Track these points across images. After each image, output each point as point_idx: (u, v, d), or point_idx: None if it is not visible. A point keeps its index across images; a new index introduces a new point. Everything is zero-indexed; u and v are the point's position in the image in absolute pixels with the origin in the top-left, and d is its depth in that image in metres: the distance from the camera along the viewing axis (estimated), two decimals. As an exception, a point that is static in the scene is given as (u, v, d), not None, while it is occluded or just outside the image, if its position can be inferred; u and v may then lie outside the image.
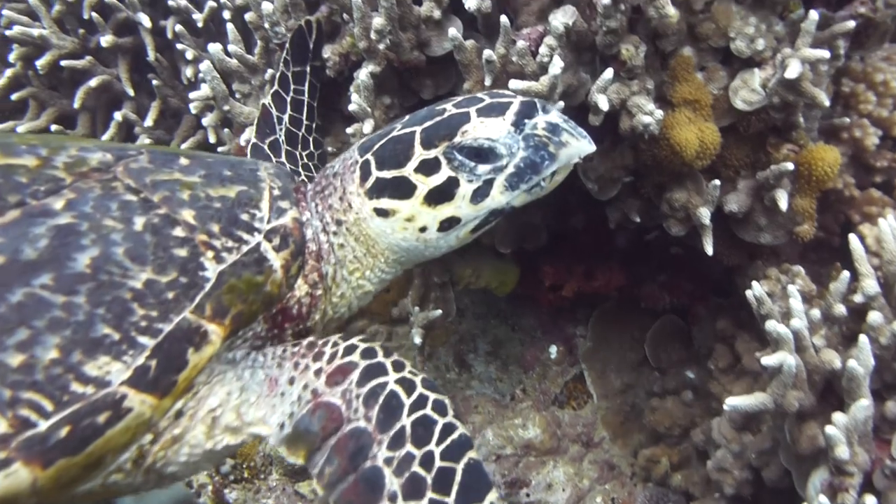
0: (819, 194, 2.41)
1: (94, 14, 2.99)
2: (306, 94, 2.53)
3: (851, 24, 2.18)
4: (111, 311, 1.26)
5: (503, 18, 2.11)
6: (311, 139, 2.50)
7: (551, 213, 3.02)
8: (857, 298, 2.14)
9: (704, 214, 2.36)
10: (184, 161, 1.54)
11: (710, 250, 2.40)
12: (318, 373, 1.44)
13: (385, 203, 1.58)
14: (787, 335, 2.08)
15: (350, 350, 1.48)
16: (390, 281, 1.83)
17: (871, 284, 2.12)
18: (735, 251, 2.67)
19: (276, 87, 2.49)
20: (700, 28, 2.30)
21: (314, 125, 2.54)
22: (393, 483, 1.26)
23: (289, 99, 2.49)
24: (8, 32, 3.06)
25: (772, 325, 2.10)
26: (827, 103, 2.19)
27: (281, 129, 2.43)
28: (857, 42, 2.48)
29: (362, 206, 1.62)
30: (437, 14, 2.25)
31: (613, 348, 3.68)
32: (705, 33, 2.31)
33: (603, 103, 2.10)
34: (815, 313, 2.19)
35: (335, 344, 1.51)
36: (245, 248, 1.46)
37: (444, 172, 1.52)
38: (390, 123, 1.69)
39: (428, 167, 1.53)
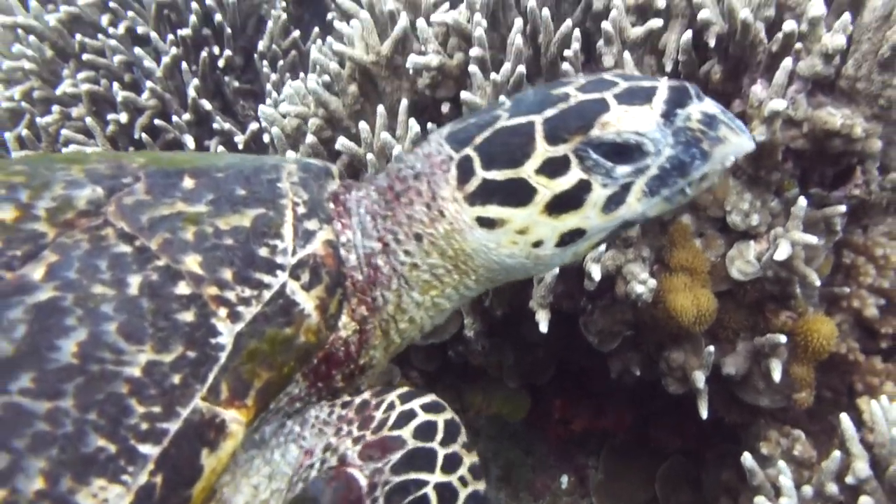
0: (816, 363, 2.44)
1: (143, 134, 3.26)
2: None
3: (843, 208, 2.26)
4: (105, 415, 1.05)
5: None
6: None
7: (559, 347, 3.09)
8: (849, 480, 2.14)
9: (700, 378, 2.41)
10: (188, 183, 1.30)
11: (704, 414, 2.43)
12: (357, 440, 1.24)
13: (493, 211, 1.25)
14: (775, 513, 2.08)
15: (404, 420, 1.24)
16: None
17: (861, 467, 2.11)
18: (736, 410, 2.68)
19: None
20: (699, 198, 2.41)
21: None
22: None
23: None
24: (65, 150, 3.35)
25: (756, 501, 2.11)
26: (817, 283, 2.25)
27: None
28: (857, 216, 2.56)
29: (459, 215, 1.29)
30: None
31: (624, 484, 3.65)
32: (704, 204, 2.41)
33: (596, 273, 2.20)
34: (808, 490, 2.19)
35: (390, 407, 1.27)
36: (267, 296, 1.20)
37: (575, 174, 1.21)
38: (486, 109, 1.35)
39: (553, 167, 1.21)
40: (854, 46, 2.10)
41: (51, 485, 1.00)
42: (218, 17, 3.26)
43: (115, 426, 1.05)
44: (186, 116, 3.22)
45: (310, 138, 2.38)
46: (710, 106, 1.21)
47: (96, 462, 1.03)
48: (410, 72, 2.28)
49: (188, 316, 1.14)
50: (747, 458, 2.27)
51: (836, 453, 2.17)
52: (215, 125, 3.29)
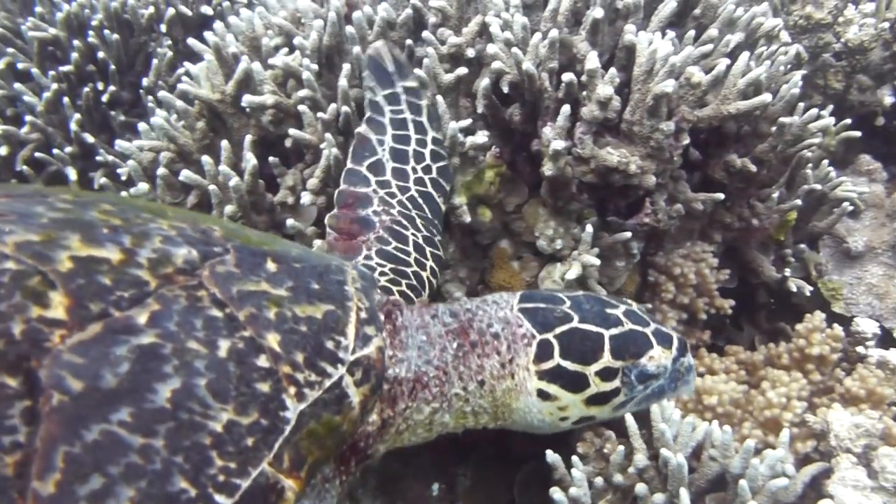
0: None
1: (25, 167, 3.43)
2: (407, 112, 2.44)
3: (628, 234, 2.58)
4: (189, 461, 1.14)
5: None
6: (426, 151, 2.38)
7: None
8: (631, 470, 2.44)
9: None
10: (271, 266, 1.44)
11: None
12: None
13: (553, 389, 1.61)
14: (563, 501, 2.36)
15: None
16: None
17: (640, 458, 2.41)
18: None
19: (369, 113, 2.43)
20: (513, 225, 2.72)
21: (430, 137, 2.42)
22: None
23: (388, 119, 2.41)
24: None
25: (551, 492, 2.39)
26: (606, 299, 2.57)
27: (384, 149, 2.34)
28: (661, 240, 2.90)
29: (526, 382, 1.63)
30: (290, 200, 2.66)
31: (488, 489, 3.91)
32: (519, 231, 2.72)
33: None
34: (599, 481, 2.48)
35: None
36: (327, 384, 1.36)
37: (616, 383, 1.63)
38: (550, 296, 1.74)
39: (607, 374, 1.62)
40: (631, 95, 2.44)
41: None
42: (101, 53, 3.49)
43: (197, 473, 1.14)
44: (69, 149, 3.42)
45: (161, 171, 2.61)
46: (690, 359, 1.74)
47: (178, 502, 1.11)
48: (247, 110, 2.54)
49: (265, 387, 1.26)
50: (549, 455, 2.55)
51: (620, 447, 2.47)
52: (99, 157, 3.49)
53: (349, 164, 2.32)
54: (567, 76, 2.36)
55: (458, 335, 1.65)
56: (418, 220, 2.26)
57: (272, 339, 1.32)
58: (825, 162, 3.43)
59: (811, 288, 3.28)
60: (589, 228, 2.50)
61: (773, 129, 2.78)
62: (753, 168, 2.78)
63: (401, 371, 1.58)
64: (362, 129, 2.38)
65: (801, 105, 2.90)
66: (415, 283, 2.07)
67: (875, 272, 3.72)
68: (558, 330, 1.63)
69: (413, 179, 2.34)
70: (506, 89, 2.46)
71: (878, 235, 3.77)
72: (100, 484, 1.05)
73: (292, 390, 1.30)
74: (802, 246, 3.53)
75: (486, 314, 1.70)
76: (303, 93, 2.48)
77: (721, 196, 2.76)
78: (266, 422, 1.25)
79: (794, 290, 3.16)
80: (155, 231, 1.35)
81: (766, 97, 2.50)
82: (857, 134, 3.67)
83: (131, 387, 1.13)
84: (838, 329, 2.86)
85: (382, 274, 2.04)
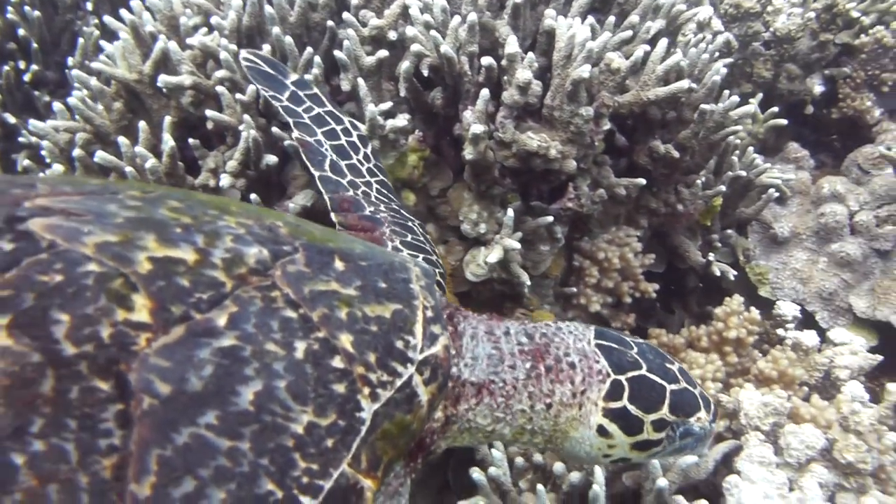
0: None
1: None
2: (315, 106, 2.45)
3: (549, 219, 2.61)
4: (275, 463, 1.15)
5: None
6: (355, 139, 2.43)
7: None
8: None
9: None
10: (339, 265, 1.45)
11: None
12: None
13: (612, 428, 1.66)
14: (482, 481, 2.39)
15: None
16: None
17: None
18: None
19: (289, 118, 2.40)
20: (438, 210, 2.72)
21: (346, 121, 2.45)
22: None
23: (307, 118, 2.41)
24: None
25: (471, 472, 2.41)
26: (527, 282, 2.59)
27: (326, 149, 2.36)
28: (588, 225, 2.94)
29: (591, 416, 1.67)
30: (212, 183, 2.62)
31: (426, 471, 3.94)
32: (443, 214, 2.73)
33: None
34: (520, 461, 2.52)
35: None
36: (398, 383, 1.36)
37: (662, 434, 1.68)
38: (620, 338, 1.78)
39: (660, 425, 1.68)
40: (551, 80, 2.45)
41: None
42: (22, 31, 3.38)
43: (282, 475, 1.15)
44: (-10, 129, 3.32)
45: (77, 152, 2.55)
46: (714, 425, 1.78)
47: (265, 503, 1.12)
48: (164, 91, 2.49)
49: (341, 388, 1.27)
50: (471, 438, 2.57)
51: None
52: (22, 139, 3.39)
53: (316, 172, 2.32)
54: (486, 60, 2.36)
55: (533, 357, 1.69)
56: (403, 211, 2.34)
57: (345, 340, 1.32)
58: (751, 149, 3.50)
59: (735, 273, 3.36)
60: (510, 212, 2.52)
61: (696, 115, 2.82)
62: (676, 154, 2.83)
63: (465, 373, 1.62)
64: (296, 134, 2.38)
65: (727, 93, 2.96)
66: (442, 271, 2.17)
67: (799, 257, 3.82)
68: (630, 374, 1.68)
69: (366, 170, 2.38)
70: (426, 72, 2.45)
71: (804, 221, 3.87)
72: (192, 486, 1.06)
73: (366, 391, 1.31)
74: (730, 231, 3.61)
75: (563, 342, 1.73)
76: (221, 73, 2.44)
77: (643, 181, 2.80)
78: (343, 423, 1.25)
79: (718, 274, 3.23)
80: (225, 229, 1.34)
81: (684, 84, 2.53)
82: (784, 122, 3.75)
83: (215, 390, 1.14)
84: (755, 313, 2.94)
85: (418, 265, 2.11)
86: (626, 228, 3.01)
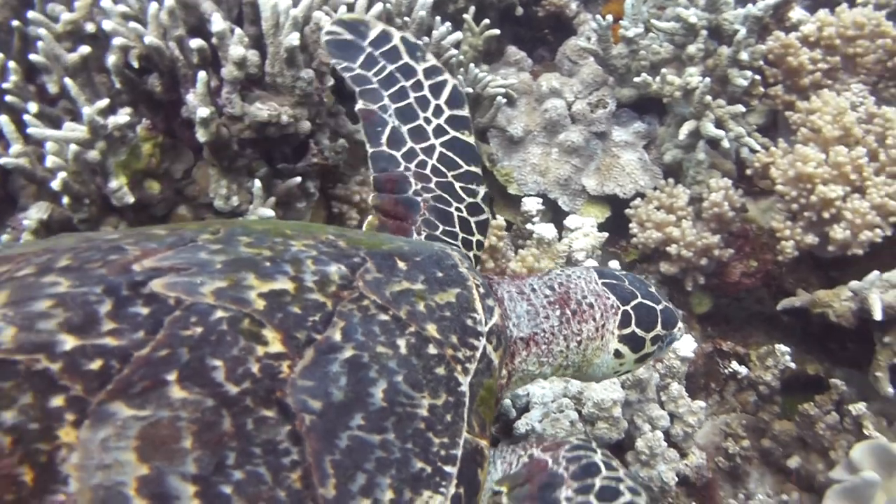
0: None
1: None
2: (388, 64, 2.29)
3: (298, 179, 2.73)
4: (417, 445, 1.34)
5: None
6: (426, 92, 2.29)
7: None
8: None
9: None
10: (401, 265, 1.61)
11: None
12: (537, 446, 1.72)
13: (624, 350, 1.97)
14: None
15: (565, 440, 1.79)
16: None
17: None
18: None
19: (357, 88, 2.26)
20: (186, 191, 2.73)
21: (420, 71, 2.30)
22: None
23: (376, 82, 2.27)
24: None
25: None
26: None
27: (390, 115, 2.26)
28: (337, 177, 3.09)
29: (609, 343, 1.97)
30: None
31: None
32: (192, 194, 2.74)
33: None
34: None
35: (553, 438, 1.80)
36: (478, 355, 1.56)
37: (655, 346, 2.02)
38: (616, 274, 2.07)
39: (655, 339, 2.00)
40: (267, 49, 2.50)
41: (398, 496, 1.27)
42: None
43: (426, 453, 1.34)
44: None
45: None
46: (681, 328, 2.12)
47: (421, 479, 1.31)
48: None
49: (441, 370, 1.46)
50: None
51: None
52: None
53: (369, 149, 2.25)
54: (196, 42, 2.36)
55: (560, 305, 1.94)
56: (457, 186, 2.26)
57: (432, 329, 1.51)
58: (472, 66, 3.79)
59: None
60: (257, 183, 2.60)
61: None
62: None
63: (514, 332, 1.85)
64: (360, 104, 2.26)
65: (438, 20, 3.17)
66: (472, 253, 2.27)
67: (535, 152, 4.27)
68: (632, 303, 1.99)
69: (432, 131, 2.28)
70: (136, 64, 2.40)
71: (532, 119, 4.30)
72: (364, 479, 1.24)
73: (459, 368, 1.51)
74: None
75: (578, 287, 1.99)
76: None
77: (378, 125, 2.97)
78: (452, 399, 1.45)
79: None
80: (300, 254, 1.48)
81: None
82: (497, 32, 4.07)
83: (354, 396, 1.30)
84: (501, 220, 3.32)
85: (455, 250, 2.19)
86: (375, 166, 3.19)
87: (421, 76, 2.29)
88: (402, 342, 1.45)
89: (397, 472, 1.30)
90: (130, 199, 2.46)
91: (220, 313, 1.27)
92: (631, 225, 3.89)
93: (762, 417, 3.35)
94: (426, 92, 2.29)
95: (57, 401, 1.07)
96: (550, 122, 4.22)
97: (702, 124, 3.86)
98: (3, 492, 0.99)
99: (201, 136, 2.46)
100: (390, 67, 2.29)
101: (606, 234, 3.40)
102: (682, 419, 2.60)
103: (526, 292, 1.99)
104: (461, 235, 2.27)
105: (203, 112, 2.38)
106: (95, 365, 1.12)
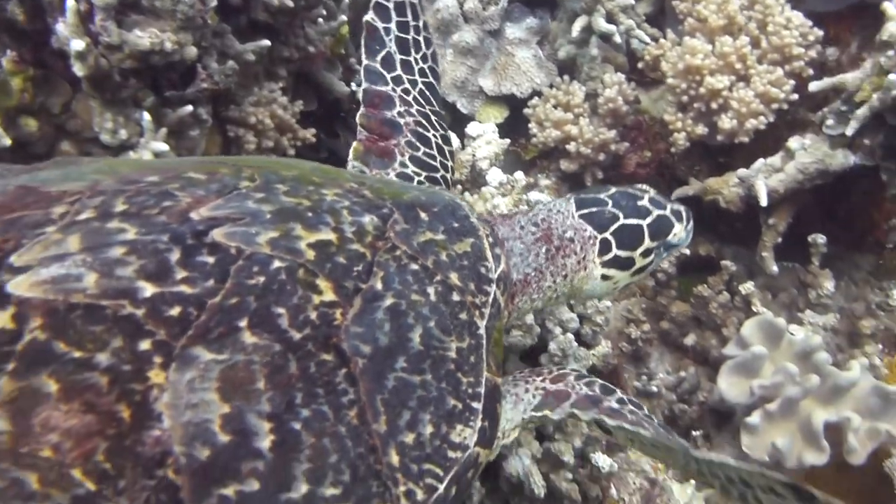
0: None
1: None
2: None
3: (189, 108, 2.61)
4: (450, 384, 1.48)
5: None
6: (421, 39, 2.54)
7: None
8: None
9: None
10: (423, 216, 1.70)
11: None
12: (543, 380, 1.85)
13: (611, 272, 2.04)
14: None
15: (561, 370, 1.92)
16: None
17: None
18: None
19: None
20: (68, 126, 2.56)
21: (421, 22, 2.55)
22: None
23: (391, 5, 2.48)
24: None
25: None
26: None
27: (390, 39, 2.46)
28: (228, 99, 2.96)
29: (594, 270, 2.03)
30: None
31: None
32: (75, 129, 2.58)
33: None
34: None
35: (549, 370, 1.91)
36: (490, 300, 1.69)
37: (651, 257, 2.05)
38: (596, 198, 2.08)
39: (646, 252, 2.04)
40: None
41: (437, 429, 1.43)
42: None
43: (457, 391, 1.49)
44: None
45: None
46: (691, 225, 2.13)
47: (454, 415, 1.47)
48: None
49: (464, 316, 1.59)
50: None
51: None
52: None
53: (365, 60, 2.43)
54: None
55: (544, 242, 2.03)
56: (433, 118, 2.49)
57: (455, 277, 1.63)
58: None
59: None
60: (146, 115, 2.47)
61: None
62: (291, 3, 2.89)
63: (513, 274, 1.94)
64: (369, 16, 2.45)
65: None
66: (446, 189, 2.37)
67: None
68: (611, 228, 2.03)
69: (417, 71, 2.50)
70: (-11, -10, 2.17)
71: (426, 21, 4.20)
72: (409, 416, 1.39)
73: (477, 313, 1.63)
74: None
75: (558, 223, 2.06)
76: None
77: (267, 42, 2.85)
78: (474, 342, 1.59)
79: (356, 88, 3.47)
80: (335, 204, 1.55)
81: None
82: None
83: (397, 340, 1.43)
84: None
85: (420, 183, 2.33)
86: (269, 84, 3.08)
87: (421, 23, 2.56)
88: (431, 290, 1.56)
89: (435, 409, 1.45)
90: (7, 142, 2.30)
91: (277, 263, 1.35)
92: (530, 125, 3.96)
93: (660, 301, 3.63)
94: (421, 38, 2.54)
95: (145, 344, 1.15)
96: (443, 22, 4.15)
97: (593, 19, 3.90)
98: (104, 427, 1.07)
99: (78, 70, 2.29)
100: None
101: (508, 141, 3.45)
102: (591, 319, 2.79)
103: (517, 231, 2.09)
104: (439, 159, 2.46)
105: (78, 45, 2.21)
106: (175, 311, 1.20)
